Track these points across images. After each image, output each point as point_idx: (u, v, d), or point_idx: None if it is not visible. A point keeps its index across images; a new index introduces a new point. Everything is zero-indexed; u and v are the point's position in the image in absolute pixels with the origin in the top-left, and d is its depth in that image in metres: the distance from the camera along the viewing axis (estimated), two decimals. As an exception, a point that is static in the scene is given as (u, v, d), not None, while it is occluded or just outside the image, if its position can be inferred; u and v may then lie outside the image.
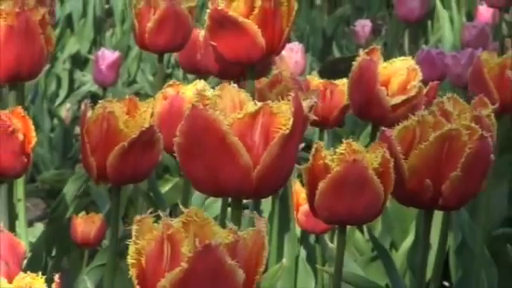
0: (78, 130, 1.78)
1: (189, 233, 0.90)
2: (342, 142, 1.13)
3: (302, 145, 1.91)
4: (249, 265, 0.90)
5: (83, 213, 1.61)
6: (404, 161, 1.15)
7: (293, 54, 2.08)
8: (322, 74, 1.87)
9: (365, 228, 1.74)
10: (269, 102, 1.02)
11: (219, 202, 1.69)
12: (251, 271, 0.90)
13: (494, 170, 1.79)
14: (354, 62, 1.52)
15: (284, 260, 1.59)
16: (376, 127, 1.47)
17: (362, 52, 1.53)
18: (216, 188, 1.05)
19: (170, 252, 0.90)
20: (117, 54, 2.42)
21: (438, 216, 1.34)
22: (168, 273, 0.88)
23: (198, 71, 1.80)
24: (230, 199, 1.14)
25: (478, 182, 1.18)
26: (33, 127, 1.42)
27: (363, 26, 2.95)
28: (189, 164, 1.04)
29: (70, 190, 1.76)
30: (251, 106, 1.03)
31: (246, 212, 1.64)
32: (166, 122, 1.39)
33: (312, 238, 1.66)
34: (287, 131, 1.02)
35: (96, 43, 3.38)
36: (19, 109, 1.42)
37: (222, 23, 1.37)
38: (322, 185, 1.13)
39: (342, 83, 1.66)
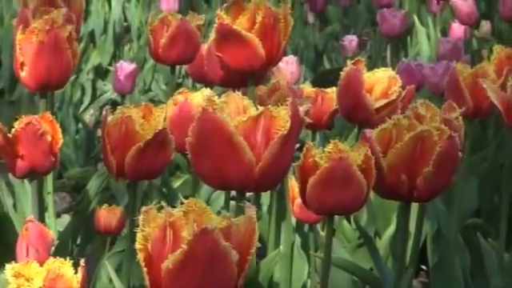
0: (99, 132, 1.78)
1: (189, 220, 0.91)
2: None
3: (297, 145, 1.91)
4: (242, 247, 0.91)
5: (105, 205, 1.61)
6: (383, 159, 1.16)
7: (288, 66, 2.08)
8: (314, 83, 1.88)
9: (352, 218, 1.74)
10: (269, 106, 1.03)
11: (223, 195, 1.70)
12: (244, 252, 0.91)
13: (466, 167, 1.80)
14: (342, 72, 1.53)
15: (281, 247, 1.59)
16: (362, 129, 1.47)
17: (349, 63, 1.53)
18: (223, 182, 1.05)
19: (172, 237, 0.90)
20: (134, 65, 2.42)
21: (416, 208, 1.35)
22: (170, 255, 0.89)
23: (205, 81, 1.80)
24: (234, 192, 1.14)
25: (448, 176, 1.18)
26: (60, 130, 1.42)
27: (350, 40, 2.95)
28: (199, 160, 1.04)
29: (92, 185, 1.76)
30: (254, 110, 1.03)
31: (248, 204, 1.65)
32: (177, 124, 1.40)
33: (306, 227, 1.66)
34: (285, 132, 1.02)
35: (115, 56, 3.37)
36: (48, 114, 1.43)
37: (227, 36, 1.37)
38: (312, 180, 1.13)
39: (332, 91, 1.66)
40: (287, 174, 1.14)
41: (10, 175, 1.47)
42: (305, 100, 1.54)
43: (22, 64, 1.50)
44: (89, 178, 1.82)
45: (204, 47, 1.74)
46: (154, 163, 1.30)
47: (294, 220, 1.58)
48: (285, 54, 1.47)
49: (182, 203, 0.93)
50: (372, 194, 1.23)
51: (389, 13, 2.88)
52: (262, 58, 1.37)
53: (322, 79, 2.58)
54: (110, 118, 1.28)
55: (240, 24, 1.37)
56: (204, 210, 0.92)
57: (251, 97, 1.42)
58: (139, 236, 0.91)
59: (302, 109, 1.07)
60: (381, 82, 1.54)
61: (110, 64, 3.30)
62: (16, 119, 1.39)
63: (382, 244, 1.67)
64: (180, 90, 1.54)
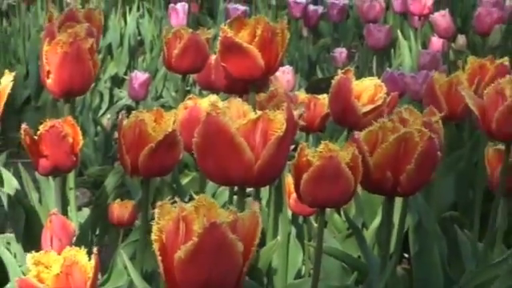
0: (116, 134, 1.78)
1: (199, 214, 0.91)
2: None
3: (292, 146, 1.91)
4: (247, 238, 0.90)
5: (118, 200, 1.60)
6: (370, 157, 1.16)
7: (285, 75, 2.08)
8: (307, 91, 1.88)
9: (341, 211, 1.74)
10: (267, 111, 1.03)
11: (227, 190, 1.69)
12: (249, 243, 0.91)
13: (443, 165, 1.80)
14: (333, 81, 1.53)
15: (278, 237, 1.59)
16: (351, 131, 1.47)
17: (339, 73, 1.53)
18: (225, 178, 1.05)
19: (184, 229, 0.90)
20: (147, 75, 2.42)
21: (399, 201, 1.34)
22: (183, 245, 0.89)
23: (210, 88, 1.80)
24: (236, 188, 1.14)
25: (428, 173, 1.19)
26: (80, 133, 1.42)
27: (340, 52, 2.95)
28: (204, 159, 1.04)
29: (110, 182, 1.76)
30: (253, 114, 1.03)
31: (249, 199, 1.64)
32: (186, 127, 1.40)
33: (301, 219, 1.66)
34: (281, 133, 1.02)
35: (130, 67, 3.37)
36: (70, 118, 1.43)
37: (231, 48, 1.37)
38: (305, 176, 1.13)
39: (323, 97, 1.66)
40: (283, 171, 1.13)
41: (36, 172, 1.47)
42: (299, 105, 1.54)
43: (48, 72, 1.50)
44: (106, 175, 1.82)
45: (212, 58, 1.74)
46: (165, 162, 1.29)
47: (290, 212, 1.58)
48: (282, 64, 1.47)
49: (192, 199, 0.92)
50: (360, 189, 1.22)
51: (374, 28, 2.88)
52: (261, 67, 1.37)
53: (315, 87, 2.57)
54: (125, 122, 1.28)
55: (242, 37, 1.37)
56: (213, 205, 0.92)
57: (252, 102, 1.42)
58: (155, 228, 0.91)
59: (295, 113, 1.06)
60: (368, 90, 1.53)
61: (125, 73, 3.30)
62: (41, 123, 1.39)
63: (369, 234, 1.67)
64: (190, 96, 1.54)
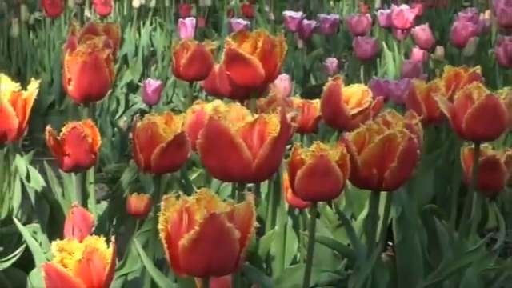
0: (131, 135, 1.78)
1: (200, 206, 0.91)
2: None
3: (288, 146, 1.91)
4: (243, 227, 0.91)
5: (135, 194, 1.60)
6: (357, 156, 1.16)
7: (282, 82, 2.08)
8: (302, 96, 1.87)
9: (332, 204, 1.73)
10: (263, 114, 1.03)
11: (230, 186, 1.69)
12: (245, 231, 0.91)
13: (423, 163, 1.80)
14: (324, 87, 1.53)
15: (276, 227, 1.59)
16: (341, 132, 1.47)
17: (330, 80, 1.53)
18: (226, 175, 1.05)
19: (187, 219, 0.90)
20: (159, 82, 2.41)
21: (384, 195, 1.34)
22: (186, 234, 0.89)
23: (216, 94, 1.80)
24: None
25: (410, 170, 1.19)
26: (99, 134, 1.42)
27: (331, 62, 2.95)
28: (207, 157, 1.04)
29: (125, 177, 1.76)
30: (250, 117, 1.03)
31: (248, 192, 1.64)
32: (193, 129, 1.40)
33: (296, 211, 1.66)
34: (276, 134, 1.02)
35: (144, 75, 3.37)
36: (89, 121, 1.43)
37: (234, 58, 1.37)
38: (299, 173, 1.13)
39: (316, 102, 1.66)
40: (279, 167, 1.13)
41: (59, 169, 1.47)
42: (295, 109, 1.54)
43: (69, 80, 1.50)
44: (122, 171, 1.82)
45: (216, 67, 1.74)
46: (174, 160, 1.29)
47: (286, 205, 1.58)
48: (279, 73, 1.47)
49: (195, 192, 0.93)
50: (349, 184, 1.23)
51: (362, 40, 2.88)
52: (262, 75, 1.37)
53: (309, 93, 2.58)
54: (139, 124, 1.28)
55: (244, 49, 1.37)
56: (212, 197, 0.92)
57: (253, 106, 1.42)
58: (161, 219, 0.92)
59: (288, 116, 1.06)
60: (356, 95, 1.53)
61: (139, 81, 3.30)
62: (64, 125, 1.39)
63: (357, 225, 1.67)
64: (197, 101, 1.54)
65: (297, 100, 1.70)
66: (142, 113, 2.77)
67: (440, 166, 2.01)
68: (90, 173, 1.64)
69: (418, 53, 2.78)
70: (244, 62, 1.36)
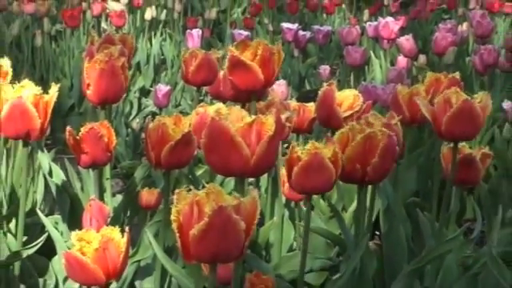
0: (143, 135, 1.78)
1: (209, 199, 0.90)
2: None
3: (286, 145, 1.90)
4: (248, 218, 0.91)
5: (146, 188, 1.60)
6: (342, 154, 1.16)
7: (280, 87, 2.07)
8: (298, 100, 1.87)
9: (325, 197, 1.73)
10: (260, 115, 1.03)
11: (233, 181, 1.69)
12: (249, 222, 0.91)
13: (407, 160, 1.80)
14: (319, 92, 1.53)
15: (274, 218, 1.59)
16: (334, 133, 1.46)
17: (324, 85, 1.53)
18: (227, 170, 1.04)
19: (197, 212, 0.90)
20: (168, 87, 2.41)
21: (370, 189, 1.34)
22: (196, 225, 0.88)
23: (220, 98, 1.80)
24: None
25: (390, 164, 1.19)
26: (114, 134, 1.42)
27: (324, 69, 2.94)
28: (209, 155, 1.03)
29: (138, 173, 1.75)
30: (249, 118, 1.03)
31: (250, 187, 1.64)
32: (198, 129, 1.39)
33: (292, 204, 1.66)
34: (271, 133, 1.02)
35: (155, 80, 3.37)
36: (106, 122, 1.42)
37: (236, 65, 1.37)
38: (295, 169, 1.13)
39: (311, 105, 1.66)
40: (275, 163, 1.13)
41: (78, 166, 1.47)
42: (291, 111, 1.54)
43: (88, 85, 1.50)
44: (135, 168, 1.82)
45: (220, 73, 1.74)
46: (182, 157, 1.29)
47: (284, 198, 1.58)
48: (277, 78, 1.47)
49: (204, 187, 0.92)
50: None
51: (352, 49, 2.87)
52: (261, 81, 1.37)
53: (304, 97, 2.57)
54: (150, 125, 1.28)
55: (245, 56, 1.37)
56: (220, 192, 0.92)
57: (253, 109, 1.42)
58: (173, 211, 0.91)
59: (283, 116, 1.06)
60: (347, 99, 1.53)
61: (151, 86, 3.30)
62: (82, 126, 1.39)
63: (348, 216, 1.67)
64: (201, 104, 1.54)
65: (293, 103, 1.70)
66: (154, 115, 2.78)
67: (422, 163, 2.01)
68: (106, 169, 1.64)
69: (402, 61, 2.77)
70: (245, 68, 1.36)
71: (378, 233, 1.81)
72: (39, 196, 1.77)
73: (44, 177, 1.75)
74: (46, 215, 1.60)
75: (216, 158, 1.03)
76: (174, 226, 0.91)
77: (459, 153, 1.43)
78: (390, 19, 3.16)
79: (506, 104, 2.20)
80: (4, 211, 1.67)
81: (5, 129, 1.35)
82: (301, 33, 3.30)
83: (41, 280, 1.49)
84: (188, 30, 2.84)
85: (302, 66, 3.41)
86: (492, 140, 2.28)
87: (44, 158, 1.78)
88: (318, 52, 3.68)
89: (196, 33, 2.77)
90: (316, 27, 3.46)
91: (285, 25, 3.35)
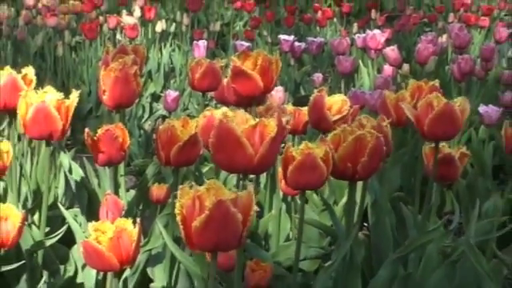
0: (154, 136, 1.79)
1: (210, 194, 0.90)
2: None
3: (282, 145, 1.90)
4: (244, 211, 0.91)
5: (157, 184, 1.60)
6: (335, 153, 1.16)
7: (277, 93, 2.07)
8: (294, 104, 1.86)
9: (318, 192, 1.73)
10: (263, 118, 1.03)
11: (235, 177, 1.69)
12: (246, 214, 0.91)
13: (392, 158, 1.80)
14: (311, 97, 1.52)
15: (273, 211, 1.58)
16: (325, 134, 1.46)
17: (316, 91, 1.53)
18: (232, 168, 1.04)
19: (198, 205, 0.90)
20: (177, 93, 2.40)
21: (360, 185, 1.34)
22: (198, 217, 0.88)
23: (224, 102, 1.79)
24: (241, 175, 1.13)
25: (378, 163, 1.18)
26: (128, 135, 1.41)
27: (318, 77, 2.94)
28: (217, 154, 1.04)
29: (150, 171, 1.75)
30: (252, 121, 1.03)
31: (250, 183, 1.64)
32: (205, 131, 1.39)
33: (289, 198, 1.66)
34: (273, 135, 1.02)
35: (165, 86, 3.37)
36: (120, 124, 1.42)
37: (239, 74, 1.37)
38: (290, 167, 1.12)
39: (305, 109, 1.65)
40: (275, 162, 1.13)
41: (96, 164, 1.46)
42: (288, 115, 1.54)
43: (104, 91, 1.49)
44: (147, 165, 1.81)
45: (224, 81, 1.74)
46: (189, 156, 1.29)
47: (281, 193, 1.57)
48: (275, 85, 1.46)
49: (205, 183, 0.92)
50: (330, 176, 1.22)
51: (343, 58, 2.87)
52: (261, 88, 1.37)
53: (299, 102, 2.57)
54: (161, 127, 1.28)
55: (246, 65, 1.37)
56: (220, 187, 0.92)
57: (254, 113, 1.42)
58: (177, 204, 0.91)
59: (283, 120, 1.06)
60: (337, 103, 1.53)
61: (161, 92, 3.30)
62: (99, 127, 1.39)
63: (338, 209, 1.67)
64: (208, 108, 1.54)
65: (289, 107, 1.69)
66: (163, 118, 2.77)
67: (406, 161, 2.01)
68: (121, 167, 1.64)
69: (388, 69, 2.77)
70: (246, 77, 1.36)
71: (366, 224, 1.80)
72: (60, 191, 1.77)
73: (65, 174, 1.75)
74: (67, 208, 1.60)
75: (223, 157, 1.03)
76: (178, 218, 0.91)
77: (440, 152, 1.43)
78: (376, 31, 3.16)
79: (481, 108, 2.20)
80: (29, 205, 1.67)
81: (30, 130, 1.35)
82: (296, 44, 3.30)
83: (62, 267, 1.49)
84: (195, 41, 2.83)
85: (297, 73, 3.41)
86: (469, 140, 2.27)
87: (65, 157, 1.77)
88: (312, 61, 3.68)
89: (202, 44, 2.77)
90: (310, 39, 3.46)
91: (282, 36, 3.35)
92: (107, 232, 1.05)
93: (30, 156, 1.79)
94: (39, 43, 3.56)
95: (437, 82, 1.59)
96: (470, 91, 2.78)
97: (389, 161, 1.74)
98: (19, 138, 1.79)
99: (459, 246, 1.39)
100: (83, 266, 1.44)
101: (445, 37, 3.64)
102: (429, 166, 1.48)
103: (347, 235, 1.26)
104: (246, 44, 3.10)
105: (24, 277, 1.41)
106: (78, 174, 1.74)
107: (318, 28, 4.65)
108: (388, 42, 3.15)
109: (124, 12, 4.04)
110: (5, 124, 2.10)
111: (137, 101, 2.59)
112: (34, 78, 1.52)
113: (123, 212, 1.33)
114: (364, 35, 3.24)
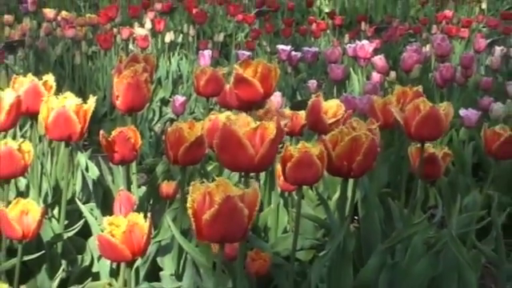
0: (164, 137, 1.78)
1: (219, 190, 0.90)
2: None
3: (280, 145, 1.90)
4: (250, 206, 0.90)
5: (166, 181, 1.60)
6: (332, 152, 1.15)
7: (276, 98, 2.06)
8: (291, 108, 1.86)
9: (313, 188, 1.73)
10: (263, 122, 1.02)
11: (237, 175, 1.69)
12: (252, 209, 0.91)
13: (381, 157, 1.79)
14: (308, 102, 1.52)
15: (271, 205, 1.58)
16: (320, 135, 1.46)
17: (312, 97, 1.52)
18: (235, 167, 1.04)
19: (208, 200, 0.90)
20: (184, 98, 2.40)
21: (351, 181, 1.34)
22: (208, 211, 0.88)
23: (227, 107, 1.79)
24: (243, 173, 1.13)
25: (372, 162, 1.18)
26: (139, 136, 1.41)
27: (312, 83, 2.93)
28: (221, 154, 1.03)
29: (159, 169, 1.75)
30: (254, 124, 1.03)
31: (252, 180, 1.63)
32: (210, 132, 1.39)
33: (286, 194, 1.65)
34: (273, 137, 1.01)
35: (173, 92, 3.36)
36: (132, 127, 1.42)
37: (241, 80, 1.36)
38: (288, 165, 1.12)
39: (302, 113, 1.65)
40: (275, 161, 1.13)
41: (110, 163, 1.46)
42: (286, 118, 1.54)
43: (117, 96, 1.49)
44: (157, 164, 1.81)
45: (227, 87, 1.73)
46: (196, 155, 1.29)
47: (279, 189, 1.57)
48: (274, 91, 1.46)
49: (214, 180, 0.92)
50: (325, 173, 1.22)
51: (335, 66, 2.86)
52: (261, 93, 1.37)
53: (296, 106, 2.56)
54: (169, 129, 1.28)
55: (248, 73, 1.36)
56: (228, 184, 0.92)
57: (254, 116, 1.41)
58: (189, 199, 0.91)
59: (282, 123, 1.06)
60: (331, 108, 1.52)
61: (170, 97, 3.29)
62: (113, 130, 1.39)
63: (332, 203, 1.67)
64: (212, 112, 1.53)
65: (287, 111, 1.69)
66: (172, 121, 2.77)
67: (393, 160, 2.00)
68: (133, 165, 1.63)
69: (376, 76, 2.77)
70: (248, 83, 1.36)
71: (356, 217, 1.80)
72: (78, 187, 1.76)
73: (82, 172, 1.75)
74: (83, 203, 1.59)
75: (226, 156, 1.02)
76: (189, 212, 0.90)
77: (424, 152, 1.43)
78: (366, 42, 3.16)
79: (461, 111, 2.20)
80: (49, 200, 1.66)
81: (51, 132, 1.35)
82: (293, 53, 3.29)
83: (79, 257, 1.49)
84: (200, 51, 2.83)
85: (294, 80, 3.40)
86: (451, 141, 2.27)
87: (82, 157, 1.77)
88: (307, 69, 3.68)
89: (207, 53, 2.76)
90: (305, 48, 3.46)
91: (280, 46, 3.34)
92: (121, 226, 1.05)
93: (50, 156, 1.78)
94: (59, 53, 3.56)
95: (420, 88, 1.59)
96: (451, 96, 2.78)
97: (378, 160, 1.74)
98: (40, 139, 1.79)
99: (442, 238, 1.38)
100: (99, 257, 1.44)
101: (428, 47, 3.63)
102: (414, 165, 1.48)
103: (340, 227, 1.26)
104: (247, 53, 3.09)
105: (44, 266, 1.41)
106: (93, 172, 1.73)
107: (312, 39, 4.64)
108: (376, 52, 3.14)
109: (136, 24, 4.04)
110: (27, 126, 2.10)
111: (147, 105, 2.59)
112: (54, 85, 1.52)
113: (135, 206, 1.33)
114: (354, 45, 3.23)
